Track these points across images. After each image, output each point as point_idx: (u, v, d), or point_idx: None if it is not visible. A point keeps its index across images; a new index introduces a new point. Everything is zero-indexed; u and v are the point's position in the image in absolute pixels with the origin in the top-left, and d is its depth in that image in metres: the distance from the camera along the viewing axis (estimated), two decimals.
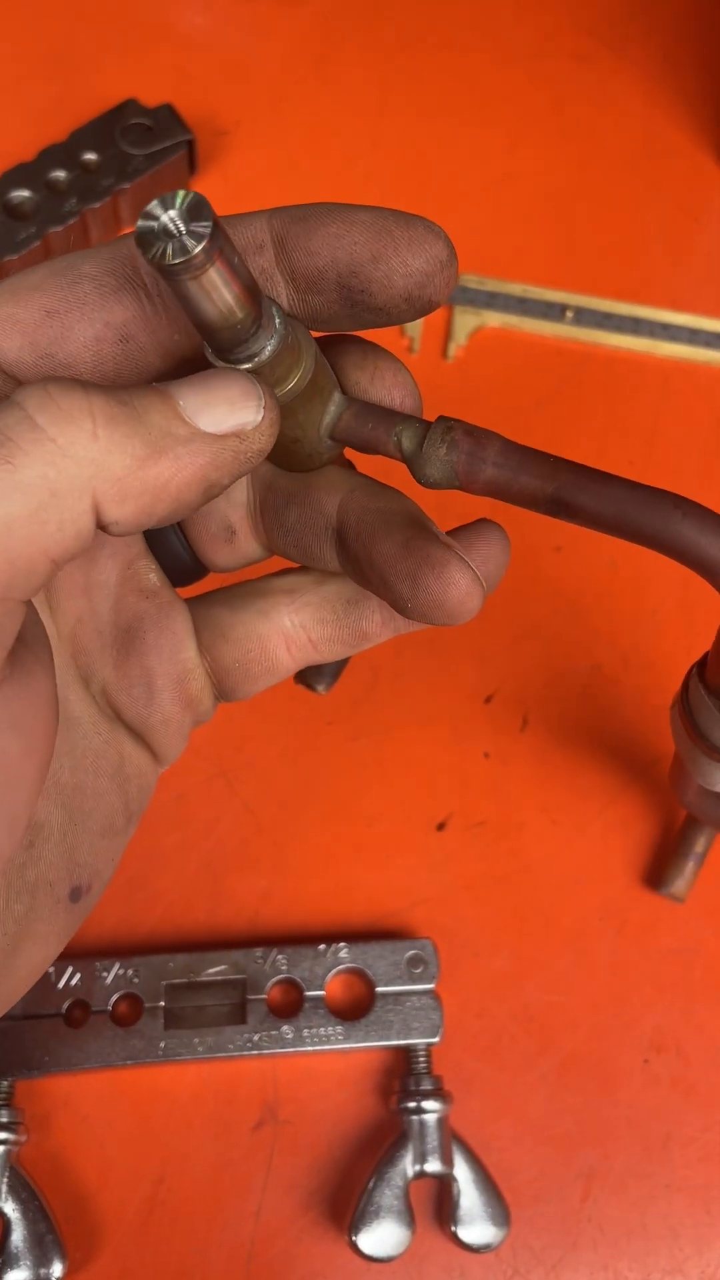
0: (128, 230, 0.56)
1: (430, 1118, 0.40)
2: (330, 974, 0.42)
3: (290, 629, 0.29)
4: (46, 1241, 0.38)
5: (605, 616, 0.50)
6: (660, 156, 0.61)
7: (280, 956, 0.43)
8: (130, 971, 0.42)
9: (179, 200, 0.21)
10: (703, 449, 0.54)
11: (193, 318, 0.23)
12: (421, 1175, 0.40)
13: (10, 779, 0.22)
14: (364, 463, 0.30)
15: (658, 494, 0.24)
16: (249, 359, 0.24)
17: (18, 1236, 0.38)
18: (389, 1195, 0.39)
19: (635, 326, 0.56)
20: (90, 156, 0.54)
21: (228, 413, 0.23)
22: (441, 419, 0.26)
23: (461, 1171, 0.40)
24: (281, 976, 0.42)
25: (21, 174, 0.53)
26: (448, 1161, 0.40)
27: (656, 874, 0.46)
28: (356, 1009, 0.43)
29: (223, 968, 0.42)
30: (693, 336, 0.56)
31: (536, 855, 0.46)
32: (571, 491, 0.24)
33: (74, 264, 0.25)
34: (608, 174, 0.60)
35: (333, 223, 0.25)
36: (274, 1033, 0.41)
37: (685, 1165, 0.43)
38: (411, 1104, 0.40)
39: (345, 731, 0.48)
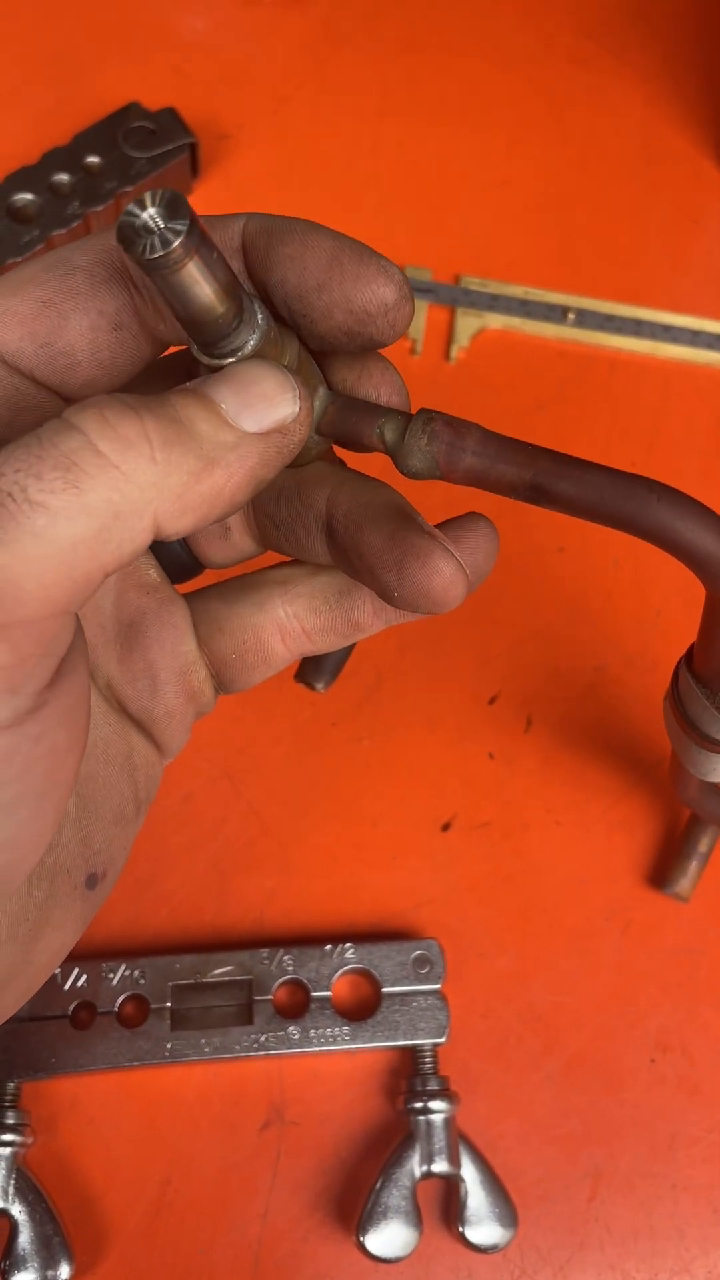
0: None
1: (437, 1118, 0.40)
2: (336, 974, 0.42)
3: (284, 619, 0.30)
4: (54, 1243, 0.38)
5: (609, 617, 0.50)
6: (660, 159, 0.61)
7: (286, 957, 0.43)
8: (136, 973, 0.42)
9: (158, 198, 0.21)
10: (704, 450, 0.54)
11: (176, 313, 0.23)
12: (429, 1176, 0.40)
13: (59, 770, 0.23)
14: (353, 460, 0.30)
15: (633, 479, 0.25)
16: (232, 353, 0.24)
17: (25, 1238, 0.38)
18: (396, 1196, 0.39)
19: (636, 328, 0.56)
20: (93, 159, 0.54)
21: (267, 410, 0.24)
22: (423, 411, 0.26)
23: (468, 1172, 0.40)
24: (288, 977, 0.42)
25: (24, 177, 0.53)
26: (455, 1162, 0.40)
27: (661, 874, 0.46)
28: (363, 1009, 0.43)
29: (229, 968, 0.42)
30: (694, 338, 0.57)
31: (541, 856, 0.46)
32: (550, 478, 0.25)
33: (65, 257, 0.25)
34: (608, 177, 0.61)
35: (291, 242, 0.25)
36: (280, 1033, 0.41)
37: (691, 1165, 0.43)
38: (418, 1104, 0.40)
39: (349, 732, 0.48)
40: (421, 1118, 0.40)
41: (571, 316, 0.56)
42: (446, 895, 0.46)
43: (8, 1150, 0.39)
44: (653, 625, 0.50)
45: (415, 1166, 0.40)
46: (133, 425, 0.21)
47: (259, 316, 0.24)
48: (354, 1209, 0.40)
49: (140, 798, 0.30)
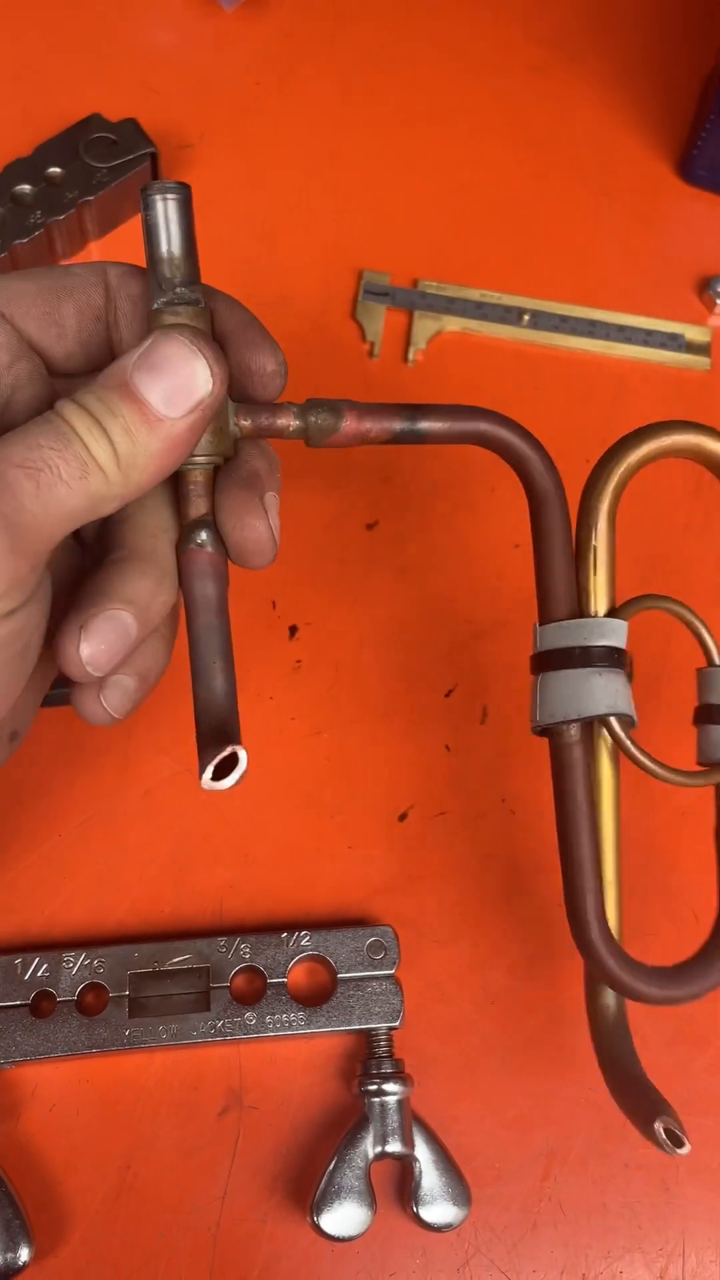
0: (93, 242, 0.57)
1: (391, 1100, 0.41)
2: (293, 961, 0.43)
3: None
4: (13, 1226, 0.39)
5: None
6: (616, 164, 0.63)
7: (244, 945, 0.43)
8: (95, 962, 0.43)
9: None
10: None
11: (151, 249, 0.32)
12: (383, 1156, 0.41)
13: (28, 654, 0.31)
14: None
15: (470, 409, 0.36)
16: (184, 304, 0.32)
17: None
18: (350, 1176, 0.40)
19: (591, 329, 0.58)
20: (55, 170, 0.55)
21: (187, 396, 0.30)
22: (310, 401, 0.34)
23: (422, 1152, 0.41)
24: (245, 965, 0.43)
25: None
26: (408, 1143, 0.41)
27: None
28: (319, 996, 0.44)
29: (187, 957, 0.43)
30: (647, 338, 0.58)
31: (496, 844, 0.47)
32: (414, 420, 0.35)
33: (66, 268, 0.34)
34: (564, 181, 0.62)
35: (220, 300, 0.34)
36: (237, 1019, 0.42)
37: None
38: (372, 1086, 0.41)
39: (308, 726, 0.49)
40: (376, 1100, 0.41)
41: (527, 318, 0.57)
42: (403, 884, 0.47)
43: None
44: (683, 633, 0.51)
45: (369, 1147, 0.41)
46: (104, 446, 0.30)
47: (200, 296, 0.33)
48: (312, 1191, 0.41)
49: (47, 675, 0.35)
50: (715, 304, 0.59)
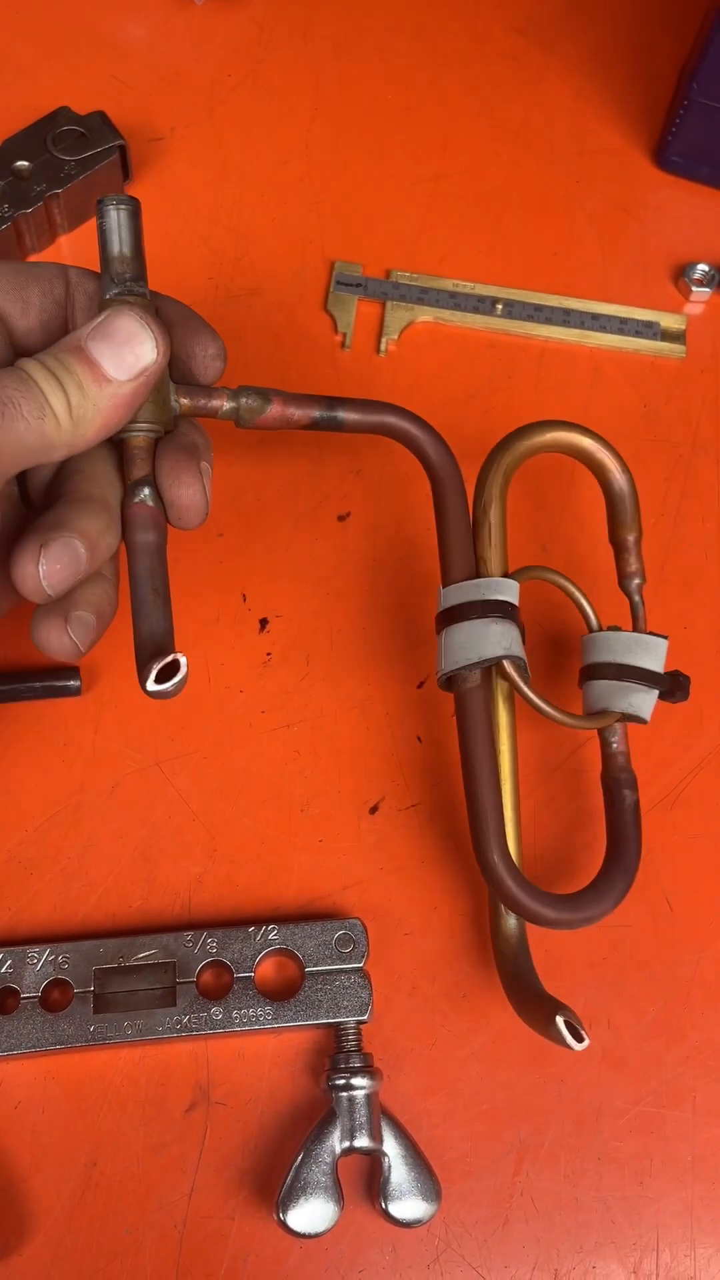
0: (62, 236, 0.57)
1: (359, 1094, 0.41)
2: (260, 956, 0.43)
3: None
4: None
5: (533, 602, 0.50)
6: (590, 152, 0.62)
7: (210, 940, 0.43)
8: (60, 957, 0.42)
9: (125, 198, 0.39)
10: (631, 435, 0.55)
11: (105, 249, 0.38)
12: (350, 1151, 0.40)
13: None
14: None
15: (379, 403, 0.42)
16: (133, 295, 0.37)
17: None
18: (317, 1172, 0.40)
19: (565, 318, 0.57)
20: (22, 164, 0.55)
21: (135, 363, 0.35)
22: (242, 387, 0.40)
23: (391, 1147, 0.41)
24: (211, 959, 0.43)
25: None
26: (377, 1137, 0.40)
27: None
28: (286, 990, 0.43)
29: (153, 952, 0.43)
30: (622, 326, 0.57)
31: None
32: (332, 410, 0.41)
33: (36, 263, 0.39)
34: (539, 170, 0.61)
35: (164, 301, 0.40)
36: (203, 1015, 0.42)
37: (616, 1137, 0.43)
38: (340, 1080, 0.41)
39: (279, 719, 0.48)
40: (343, 1094, 0.41)
41: (500, 308, 0.57)
42: (374, 876, 0.46)
43: None
44: (573, 608, 0.50)
45: (336, 1142, 0.40)
46: (59, 397, 0.34)
47: (146, 292, 0.38)
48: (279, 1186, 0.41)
49: None
50: (691, 292, 0.58)
